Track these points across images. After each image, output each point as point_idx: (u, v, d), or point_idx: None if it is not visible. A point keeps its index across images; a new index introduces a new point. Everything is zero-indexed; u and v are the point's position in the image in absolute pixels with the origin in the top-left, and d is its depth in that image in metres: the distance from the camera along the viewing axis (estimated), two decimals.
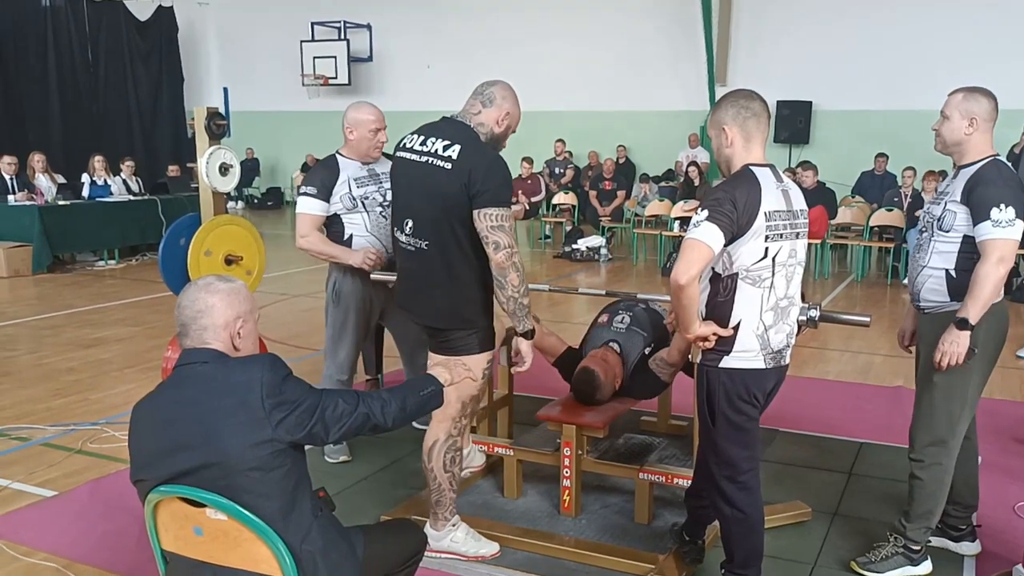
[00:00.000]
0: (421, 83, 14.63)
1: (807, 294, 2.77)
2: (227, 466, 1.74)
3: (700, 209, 2.29)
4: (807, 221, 2.48)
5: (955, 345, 2.55)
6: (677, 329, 2.52)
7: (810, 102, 12.37)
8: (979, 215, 2.52)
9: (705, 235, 2.22)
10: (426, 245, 2.62)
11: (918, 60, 11.19)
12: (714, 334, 2.35)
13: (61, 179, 9.89)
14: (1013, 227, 2.48)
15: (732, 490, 2.48)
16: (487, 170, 2.52)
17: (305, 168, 15.72)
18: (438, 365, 2.22)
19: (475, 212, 2.50)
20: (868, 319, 2.88)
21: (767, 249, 2.30)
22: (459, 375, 2.21)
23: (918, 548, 2.79)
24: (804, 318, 2.69)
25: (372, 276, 3.54)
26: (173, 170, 12.27)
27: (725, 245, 2.26)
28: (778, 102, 12.24)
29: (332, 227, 3.59)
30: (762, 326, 2.36)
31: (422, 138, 2.66)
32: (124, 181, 10.41)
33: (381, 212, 3.58)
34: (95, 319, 6.76)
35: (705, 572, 2.81)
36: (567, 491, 3.18)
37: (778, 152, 12.29)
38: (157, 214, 9.54)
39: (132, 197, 10.11)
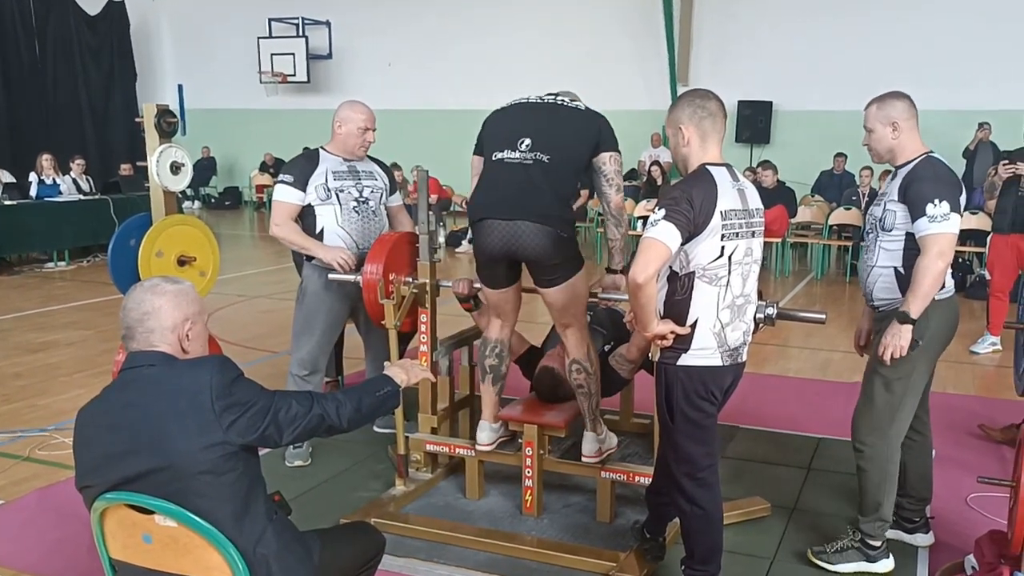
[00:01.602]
0: (382, 81, 14.50)
1: (768, 292, 2.80)
2: (177, 470, 1.69)
3: (657, 208, 2.30)
4: (763, 220, 2.50)
5: (897, 338, 2.62)
6: (635, 327, 2.53)
7: (770, 102, 12.55)
8: (916, 212, 2.58)
9: (662, 234, 2.23)
10: (548, 158, 2.79)
11: (877, 62, 11.40)
12: (672, 332, 2.36)
13: (8, 177, 9.59)
14: (948, 221, 2.54)
15: (691, 486, 2.48)
16: (610, 127, 2.90)
17: (264, 167, 15.52)
18: (395, 366, 2.19)
19: (607, 154, 2.86)
20: (824, 316, 2.91)
21: (723, 248, 2.32)
22: (415, 376, 2.18)
23: (876, 544, 2.81)
24: (761, 316, 2.72)
25: (330, 276, 3.50)
26: (126, 169, 11.97)
27: (682, 244, 2.27)
28: (739, 102, 12.39)
29: (305, 219, 3.59)
30: (719, 324, 2.38)
31: (537, 94, 2.98)
32: (74, 180, 10.13)
33: (355, 207, 3.60)
34: (44, 322, 6.57)
35: (666, 569, 2.81)
36: (529, 491, 3.17)
37: (739, 152, 12.44)
38: (109, 214, 9.29)
39: (82, 197, 9.85)
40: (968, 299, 7.71)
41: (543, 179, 2.77)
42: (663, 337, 2.36)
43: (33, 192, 9.50)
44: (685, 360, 2.39)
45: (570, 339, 3.03)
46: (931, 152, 2.70)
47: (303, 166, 3.59)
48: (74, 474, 1.82)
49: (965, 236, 8.48)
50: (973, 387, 5.06)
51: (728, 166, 2.42)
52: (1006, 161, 5.34)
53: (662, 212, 2.25)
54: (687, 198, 2.26)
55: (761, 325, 2.80)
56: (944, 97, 11.30)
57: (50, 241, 9.26)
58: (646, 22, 13.05)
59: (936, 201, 2.53)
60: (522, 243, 2.79)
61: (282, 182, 3.57)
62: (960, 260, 8.49)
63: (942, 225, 2.53)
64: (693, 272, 2.33)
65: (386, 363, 2.28)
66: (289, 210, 3.55)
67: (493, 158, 2.88)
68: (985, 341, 5.82)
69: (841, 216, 9.14)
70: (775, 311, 2.71)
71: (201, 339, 1.88)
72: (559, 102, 2.92)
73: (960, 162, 10.35)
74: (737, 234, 2.35)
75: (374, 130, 3.67)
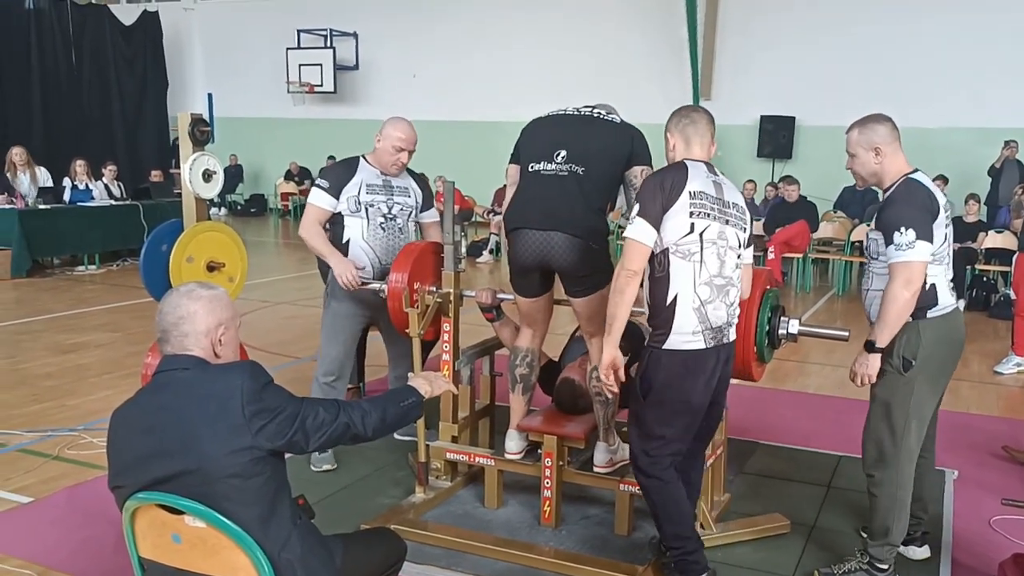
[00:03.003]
0: (407, 92, 14.63)
1: (789, 308, 2.83)
2: (206, 473, 1.73)
3: (636, 199, 2.50)
4: (745, 217, 2.61)
5: (864, 366, 2.66)
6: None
7: (793, 117, 12.50)
8: (886, 239, 2.58)
9: (639, 234, 2.44)
10: (583, 170, 2.85)
11: (900, 78, 11.34)
12: (614, 376, 2.51)
13: (47, 175, 9.75)
14: (914, 249, 2.51)
15: (647, 463, 2.59)
16: (643, 141, 2.96)
17: (289, 175, 15.71)
18: (418, 376, 2.22)
19: (639, 168, 2.91)
20: (847, 334, 2.92)
21: (693, 224, 2.44)
22: (439, 387, 2.22)
23: (884, 568, 2.79)
24: (783, 331, 2.73)
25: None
26: (156, 175, 12.20)
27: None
28: (762, 117, 12.36)
29: (335, 227, 3.65)
30: (698, 299, 2.47)
31: (574, 106, 3.03)
32: (106, 186, 10.33)
33: (381, 223, 3.64)
34: (74, 324, 6.69)
35: None
36: (547, 502, 3.18)
37: (761, 166, 12.40)
38: (139, 219, 9.48)
39: (114, 202, 10.04)
40: (993, 319, 7.62)
41: (578, 191, 2.83)
42: (610, 367, 2.50)
43: (66, 197, 9.69)
44: (669, 344, 2.49)
45: (594, 347, 3.06)
46: (912, 173, 2.67)
47: (340, 174, 3.63)
48: (102, 474, 1.87)
49: (990, 255, 8.40)
50: (997, 408, 5.00)
51: (708, 163, 2.58)
52: None
53: (637, 208, 2.46)
54: (659, 184, 2.46)
55: (783, 341, 2.81)
56: (969, 114, 11.21)
57: (82, 245, 9.45)
58: (669, 37, 13.06)
59: (903, 228, 2.52)
60: (555, 254, 2.84)
61: (317, 186, 3.64)
62: (985, 279, 8.40)
63: (907, 253, 2.51)
64: (667, 249, 2.46)
65: (410, 374, 2.31)
66: (319, 214, 3.61)
67: (530, 169, 2.94)
68: (1010, 361, 5.75)
69: (863, 232, 9.09)
70: (798, 328, 2.72)
71: (233, 344, 1.93)
72: (595, 115, 2.97)
73: (985, 180, 10.24)
74: (708, 215, 2.47)
75: (411, 152, 3.66)
